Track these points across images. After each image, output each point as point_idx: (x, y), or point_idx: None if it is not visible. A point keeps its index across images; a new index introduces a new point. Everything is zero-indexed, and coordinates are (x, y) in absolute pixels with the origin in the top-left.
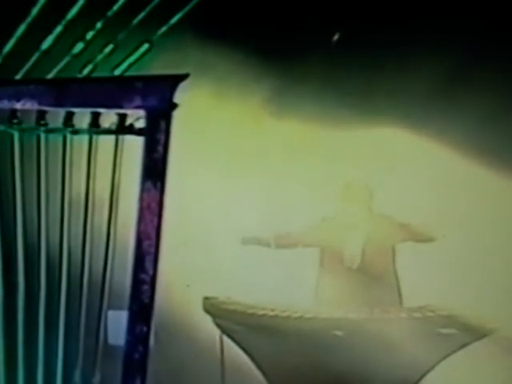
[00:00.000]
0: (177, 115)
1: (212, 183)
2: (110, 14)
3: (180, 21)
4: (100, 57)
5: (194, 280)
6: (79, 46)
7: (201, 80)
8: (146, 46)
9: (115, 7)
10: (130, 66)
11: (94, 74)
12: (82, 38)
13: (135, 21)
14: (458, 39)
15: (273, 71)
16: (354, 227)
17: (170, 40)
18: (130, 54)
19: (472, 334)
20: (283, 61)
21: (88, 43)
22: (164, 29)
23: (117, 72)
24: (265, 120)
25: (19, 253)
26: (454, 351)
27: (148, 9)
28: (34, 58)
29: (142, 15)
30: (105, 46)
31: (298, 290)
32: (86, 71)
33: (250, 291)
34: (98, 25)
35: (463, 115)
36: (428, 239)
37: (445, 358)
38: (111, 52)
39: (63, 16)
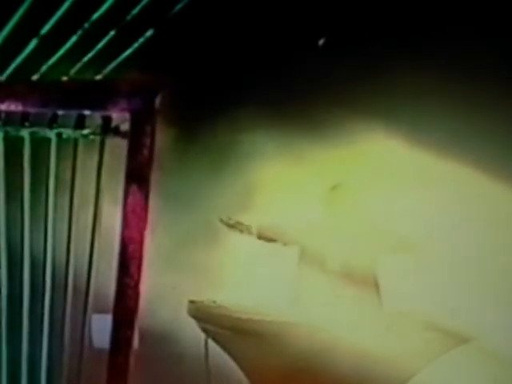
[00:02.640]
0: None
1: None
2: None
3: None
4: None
5: (180, 283)
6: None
7: None
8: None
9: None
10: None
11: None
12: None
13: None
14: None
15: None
16: (338, 230)
17: None
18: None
19: (454, 339)
20: (272, 69)
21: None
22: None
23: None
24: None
25: (2, 257)
26: (437, 356)
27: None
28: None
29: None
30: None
31: (283, 294)
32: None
33: (235, 295)
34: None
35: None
36: (410, 249)
37: (428, 362)
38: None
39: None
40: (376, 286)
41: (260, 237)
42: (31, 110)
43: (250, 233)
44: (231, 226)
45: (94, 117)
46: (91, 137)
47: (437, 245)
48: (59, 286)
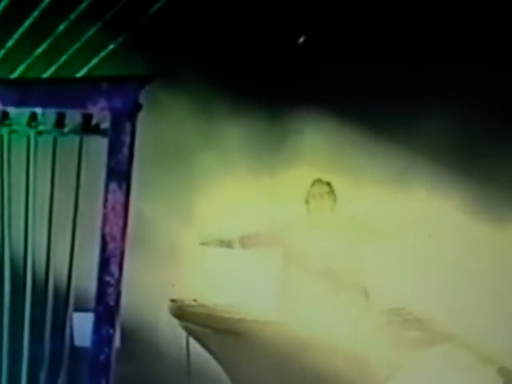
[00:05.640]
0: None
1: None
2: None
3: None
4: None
5: (162, 282)
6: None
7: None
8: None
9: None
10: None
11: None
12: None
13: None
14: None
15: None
16: (318, 228)
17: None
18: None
19: (436, 337)
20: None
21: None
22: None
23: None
24: None
25: None
26: (420, 354)
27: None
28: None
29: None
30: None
31: (264, 293)
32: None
33: (217, 294)
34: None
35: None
36: (389, 239)
37: (411, 360)
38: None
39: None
40: (359, 283)
41: (244, 247)
42: (10, 108)
43: (231, 246)
44: (214, 244)
45: (74, 115)
46: (71, 135)
47: (422, 240)
48: (40, 285)
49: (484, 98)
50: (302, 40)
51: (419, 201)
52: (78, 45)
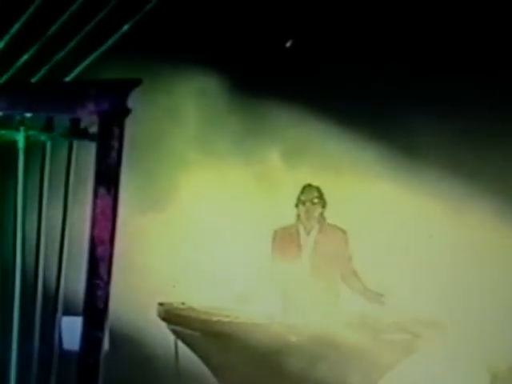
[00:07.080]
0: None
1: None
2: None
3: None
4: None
5: (152, 285)
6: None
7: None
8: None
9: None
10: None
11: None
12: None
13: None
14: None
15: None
16: (307, 235)
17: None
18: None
19: (421, 339)
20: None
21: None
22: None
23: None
24: None
25: None
26: (406, 356)
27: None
28: None
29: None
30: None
31: (254, 296)
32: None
33: (206, 297)
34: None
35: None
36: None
37: (397, 362)
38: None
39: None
40: (344, 286)
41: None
42: None
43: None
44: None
45: (63, 119)
46: (60, 139)
47: (407, 242)
48: (29, 288)
49: (484, 97)
50: (289, 44)
51: (418, 200)
52: (66, 49)
